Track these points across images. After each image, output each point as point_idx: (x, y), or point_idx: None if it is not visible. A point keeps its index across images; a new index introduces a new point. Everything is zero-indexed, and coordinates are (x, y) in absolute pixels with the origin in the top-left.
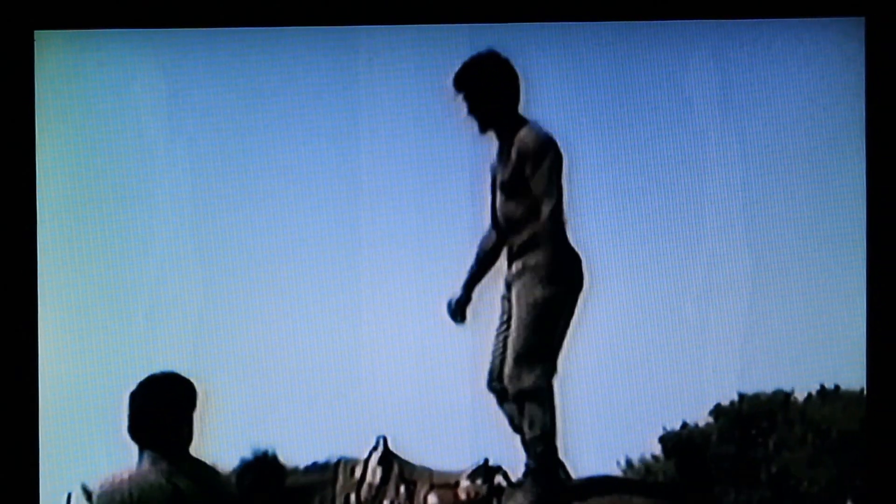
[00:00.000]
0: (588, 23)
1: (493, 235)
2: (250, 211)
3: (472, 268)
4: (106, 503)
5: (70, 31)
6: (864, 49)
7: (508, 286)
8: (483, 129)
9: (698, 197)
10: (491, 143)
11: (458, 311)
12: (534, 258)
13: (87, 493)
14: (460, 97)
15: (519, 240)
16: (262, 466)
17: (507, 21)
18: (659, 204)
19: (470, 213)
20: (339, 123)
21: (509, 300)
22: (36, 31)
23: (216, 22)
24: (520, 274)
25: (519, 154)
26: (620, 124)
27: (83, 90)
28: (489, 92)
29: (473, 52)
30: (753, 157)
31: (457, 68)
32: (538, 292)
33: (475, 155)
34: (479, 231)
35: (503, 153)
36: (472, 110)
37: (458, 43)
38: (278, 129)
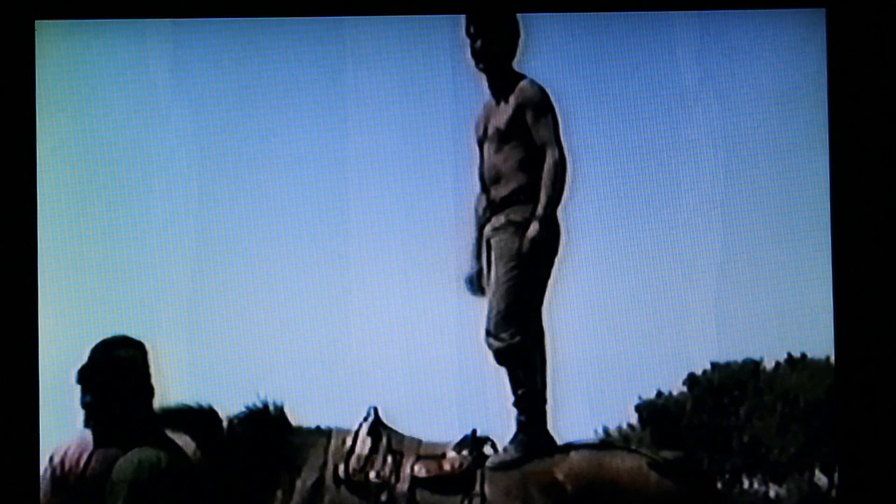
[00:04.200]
0: (565, 13)
1: (484, 197)
2: (242, 193)
3: (476, 237)
4: (133, 471)
5: (71, 20)
6: (825, 39)
7: (488, 243)
8: (483, 69)
9: (675, 174)
10: (475, 121)
11: (477, 284)
12: (519, 213)
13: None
14: (472, 33)
15: (503, 192)
16: (268, 419)
17: (490, 12)
18: (637, 179)
19: (454, 193)
20: (325, 111)
21: (489, 258)
22: (37, 21)
23: (212, 12)
24: (502, 228)
25: (520, 103)
26: (604, 106)
27: (84, 80)
28: (496, 38)
29: (456, 43)
30: (725, 140)
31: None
32: (517, 249)
33: (459, 140)
34: (463, 210)
35: (498, 103)
36: (481, 50)
37: (442, 33)
38: (268, 115)
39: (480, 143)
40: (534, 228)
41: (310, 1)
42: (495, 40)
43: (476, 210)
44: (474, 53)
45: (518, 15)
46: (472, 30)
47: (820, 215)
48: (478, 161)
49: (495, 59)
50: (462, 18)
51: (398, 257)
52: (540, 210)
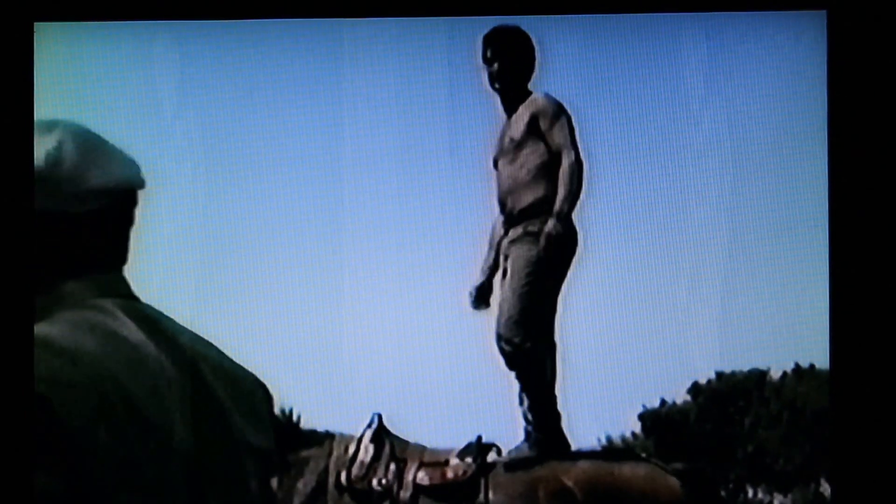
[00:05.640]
0: (561, 15)
1: (502, 218)
2: (243, 196)
3: (488, 253)
4: None
5: (71, 22)
6: (825, 42)
7: (506, 257)
8: (499, 90)
9: (680, 184)
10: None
11: (480, 298)
12: (537, 224)
13: None
14: (489, 57)
15: (520, 203)
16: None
17: (487, 14)
18: (642, 192)
19: (451, 197)
20: (323, 112)
21: (504, 269)
22: (36, 23)
23: (212, 14)
24: (519, 239)
25: (534, 112)
26: (608, 114)
27: (83, 82)
28: (516, 60)
29: (453, 45)
30: (730, 146)
31: (487, 30)
32: (534, 257)
33: (455, 141)
34: (462, 212)
35: (510, 116)
36: (497, 72)
37: (440, 35)
38: (266, 117)
39: (496, 162)
40: (551, 224)
41: (309, 3)
42: (512, 64)
43: (493, 229)
44: (491, 76)
45: (524, 25)
46: (489, 54)
47: (825, 224)
48: (495, 182)
49: (512, 82)
50: (461, 21)
51: (405, 264)
52: (557, 206)
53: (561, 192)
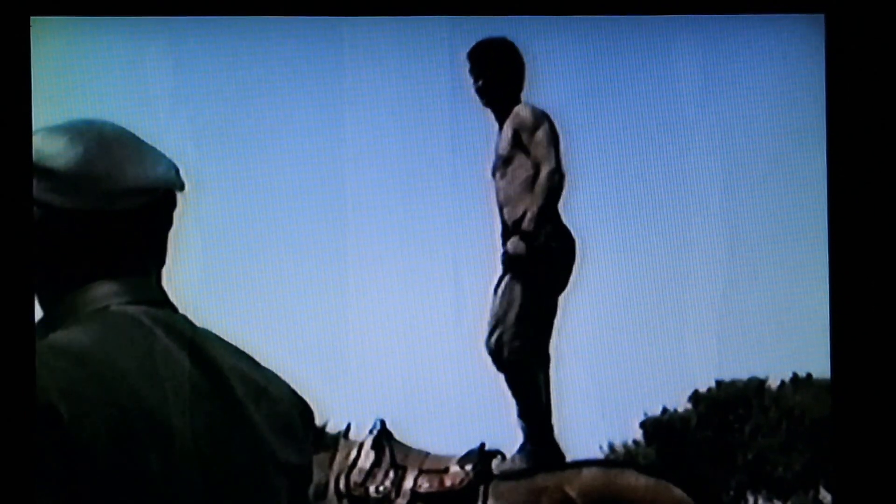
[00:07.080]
0: (559, 16)
1: (501, 226)
2: (240, 197)
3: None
4: None
5: (67, 17)
6: (824, 45)
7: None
8: (487, 104)
9: (677, 195)
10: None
11: None
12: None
13: None
14: (474, 74)
15: (514, 215)
16: None
17: (487, 14)
18: (641, 204)
19: (453, 199)
20: (323, 112)
21: (500, 279)
22: (32, 17)
23: (209, 10)
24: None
25: (516, 127)
26: (605, 122)
27: (80, 77)
28: (500, 75)
29: (454, 44)
30: (723, 154)
31: (471, 45)
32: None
33: (456, 143)
34: (467, 216)
35: (500, 131)
36: (483, 88)
37: (440, 34)
38: (265, 116)
39: (493, 173)
40: (512, 243)
41: (309, 1)
42: (497, 79)
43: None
44: (479, 92)
45: (520, 26)
46: (473, 70)
47: (824, 231)
48: (493, 193)
49: (499, 97)
50: (463, 20)
51: (410, 266)
52: (524, 225)
53: (531, 210)
